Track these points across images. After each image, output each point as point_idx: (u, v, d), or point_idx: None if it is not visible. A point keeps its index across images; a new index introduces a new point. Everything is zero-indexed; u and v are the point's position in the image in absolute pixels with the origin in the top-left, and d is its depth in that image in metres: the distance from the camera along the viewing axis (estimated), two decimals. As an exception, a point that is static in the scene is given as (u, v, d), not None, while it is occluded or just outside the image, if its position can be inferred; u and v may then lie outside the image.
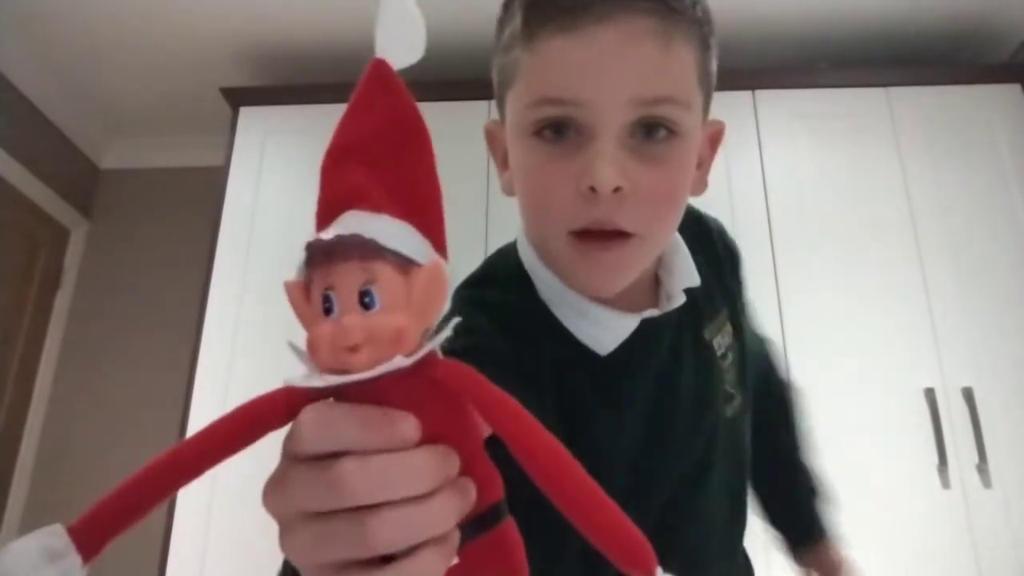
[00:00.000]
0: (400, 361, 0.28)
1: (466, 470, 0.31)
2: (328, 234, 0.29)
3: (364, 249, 0.29)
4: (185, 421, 1.98)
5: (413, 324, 0.29)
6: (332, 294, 0.29)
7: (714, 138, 0.62)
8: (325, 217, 0.31)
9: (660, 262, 0.64)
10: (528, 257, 0.62)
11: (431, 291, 0.30)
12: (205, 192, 2.40)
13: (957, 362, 1.87)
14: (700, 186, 0.61)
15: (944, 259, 2.00)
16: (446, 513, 0.29)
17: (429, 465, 0.29)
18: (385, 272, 0.29)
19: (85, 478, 2.57)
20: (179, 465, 0.31)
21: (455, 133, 2.27)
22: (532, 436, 0.30)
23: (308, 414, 0.29)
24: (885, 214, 2.05)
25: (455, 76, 2.42)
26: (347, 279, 0.29)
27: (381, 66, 0.33)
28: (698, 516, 0.65)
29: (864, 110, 2.17)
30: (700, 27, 0.54)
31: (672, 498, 0.62)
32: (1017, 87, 2.16)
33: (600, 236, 0.53)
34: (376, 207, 0.30)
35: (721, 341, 0.68)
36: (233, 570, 1.86)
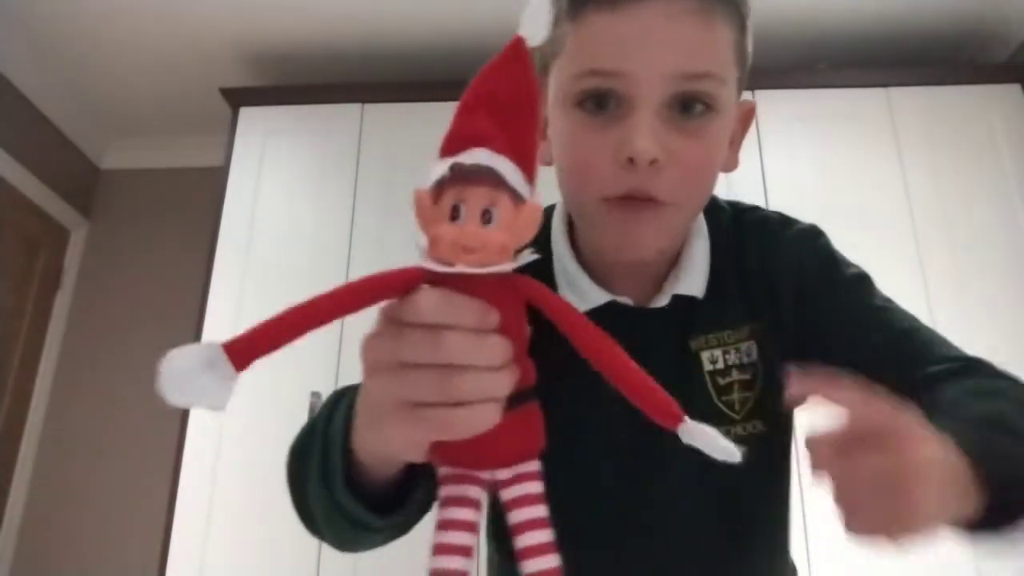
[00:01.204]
0: (505, 266, 0.39)
1: (515, 359, 0.41)
2: (469, 159, 0.38)
3: (493, 179, 0.38)
4: (185, 421, 1.98)
5: (511, 243, 0.39)
6: (462, 207, 0.38)
7: (746, 116, 0.64)
8: (453, 149, 0.39)
9: (676, 262, 0.65)
10: (556, 219, 0.68)
11: (530, 223, 0.40)
12: (205, 192, 2.40)
13: (957, 362, 1.87)
14: (732, 163, 0.63)
15: (943, 258, 2.00)
16: (505, 384, 0.39)
17: (502, 347, 0.39)
18: (503, 200, 0.38)
19: (85, 478, 2.57)
20: (316, 311, 0.40)
21: (455, 133, 2.28)
22: (587, 331, 0.42)
23: (430, 292, 0.39)
24: (885, 214, 2.05)
25: (455, 76, 2.42)
26: (477, 198, 0.38)
27: (519, 42, 0.41)
28: (653, 511, 0.66)
29: (864, 110, 2.17)
30: (738, 7, 0.57)
31: (616, 485, 0.65)
32: (1017, 87, 2.17)
33: (635, 203, 0.55)
34: (500, 150, 0.39)
35: (722, 356, 0.65)
36: (233, 570, 1.86)
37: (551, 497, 0.45)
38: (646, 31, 0.53)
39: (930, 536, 0.41)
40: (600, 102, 0.55)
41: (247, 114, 2.30)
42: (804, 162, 2.12)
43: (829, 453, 0.39)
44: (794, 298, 0.65)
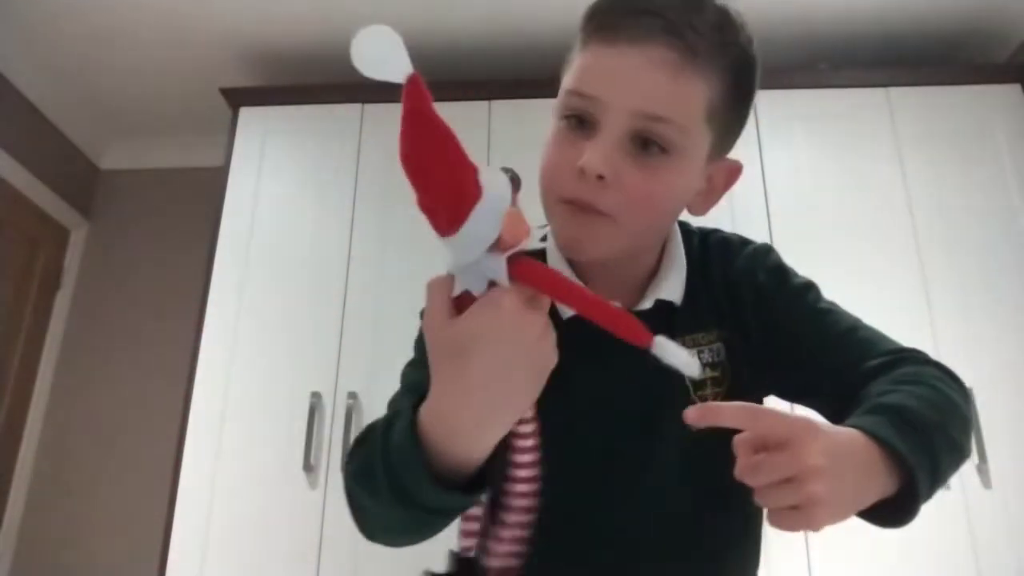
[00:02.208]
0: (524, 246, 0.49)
1: None
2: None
3: None
4: (185, 421, 1.98)
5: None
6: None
7: (730, 174, 0.72)
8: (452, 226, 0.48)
9: (656, 272, 0.74)
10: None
11: None
12: (205, 192, 2.40)
13: (956, 362, 1.86)
14: (700, 208, 0.72)
15: (943, 259, 2.00)
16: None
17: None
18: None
19: (85, 478, 2.57)
20: None
21: (455, 132, 2.28)
22: (560, 279, 0.50)
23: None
24: (885, 214, 2.05)
25: (455, 76, 2.42)
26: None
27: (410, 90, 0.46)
28: (630, 504, 0.71)
29: (864, 110, 2.17)
30: (725, 75, 0.64)
31: (598, 477, 0.71)
32: (1017, 87, 2.17)
33: (579, 209, 0.64)
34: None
35: (696, 355, 0.72)
36: (233, 570, 1.86)
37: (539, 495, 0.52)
38: (625, 69, 0.62)
39: (845, 519, 0.49)
40: (580, 121, 0.64)
41: (247, 114, 2.30)
42: (804, 162, 2.12)
43: (741, 459, 0.49)
44: (753, 305, 0.74)
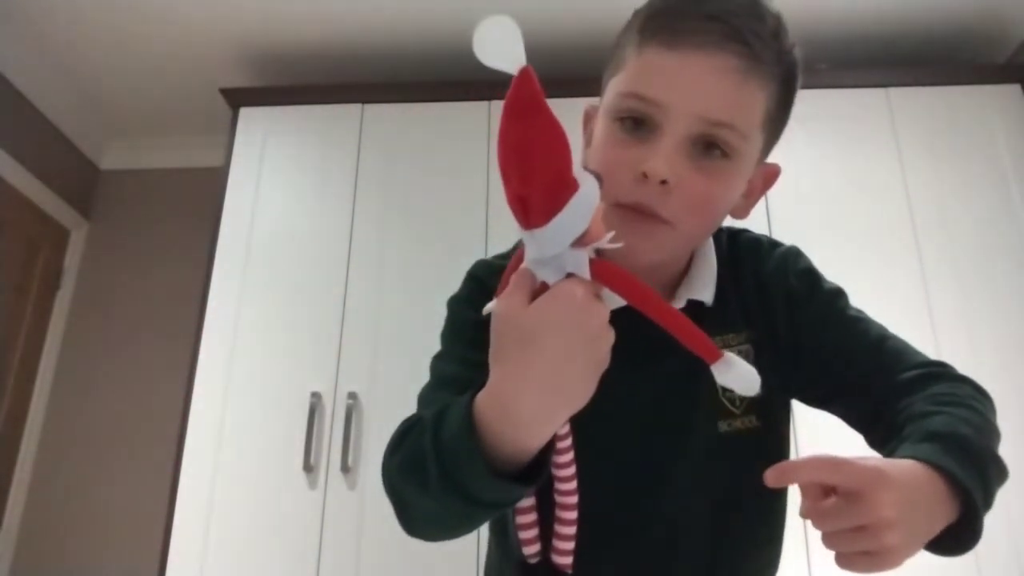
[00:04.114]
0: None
1: None
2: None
3: None
4: (185, 421, 1.98)
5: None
6: None
7: (769, 177, 0.73)
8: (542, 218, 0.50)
9: (687, 272, 0.74)
10: None
11: None
12: (205, 192, 2.40)
13: (956, 362, 1.86)
14: (742, 212, 0.72)
15: (943, 259, 2.00)
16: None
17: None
18: None
19: (85, 478, 2.57)
20: None
21: (455, 133, 2.28)
22: (646, 292, 0.52)
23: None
24: (885, 214, 2.05)
25: (455, 76, 2.42)
26: None
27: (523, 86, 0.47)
28: (659, 502, 0.71)
29: (864, 110, 2.17)
30: (780, 83, 0.66)
31: (626, 485, 0.71)
32: (1017, 87, 2.17)
33: (640, 215, 0.63)
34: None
35: None
36: (233, 570, 1.86)
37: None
38: (690, 74, 0.62)
39: (915, 554, 0.50)
40: (636, 123, 0.63)
41: (247, 114, 2.30)
42: (804, 162, 2.12)
43: (808, 502, 0.50)
44: (784, 309, 0.75)
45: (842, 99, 2.18)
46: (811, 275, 0.77)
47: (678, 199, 0.62)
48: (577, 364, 0.49)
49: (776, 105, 0.67)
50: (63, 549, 2.50)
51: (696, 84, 0.62)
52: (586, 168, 0.49)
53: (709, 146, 0.62)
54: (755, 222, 2.24)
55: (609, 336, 0.50)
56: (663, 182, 0.60)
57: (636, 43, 0.66)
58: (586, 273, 0.49)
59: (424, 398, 0.69)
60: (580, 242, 0.48)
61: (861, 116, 2.16)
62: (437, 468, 0.52)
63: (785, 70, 0.66)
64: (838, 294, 0.77)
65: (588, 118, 0.74)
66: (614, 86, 0.67)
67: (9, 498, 2.52)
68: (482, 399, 0.52)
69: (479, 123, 2.18)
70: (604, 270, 0.50)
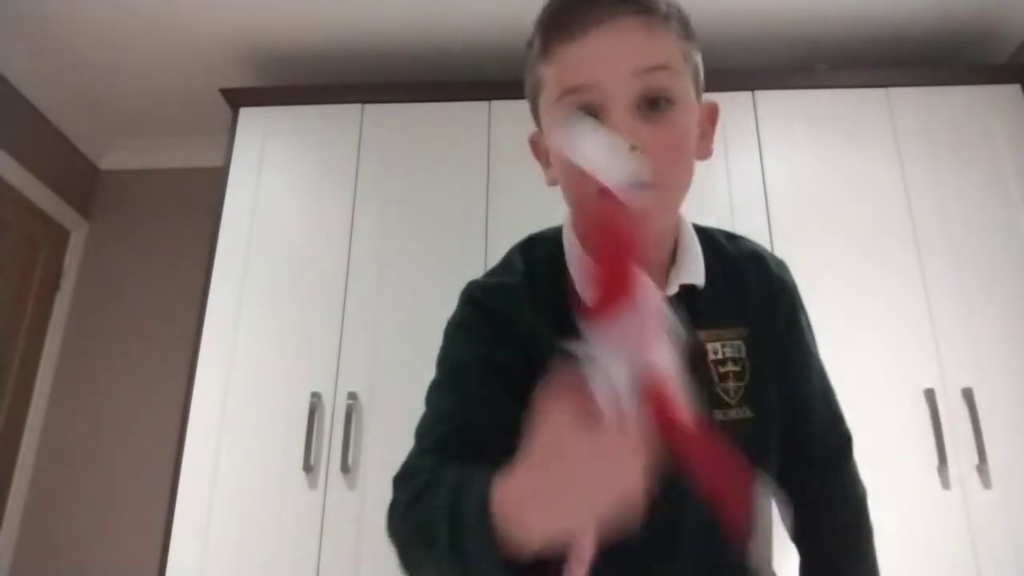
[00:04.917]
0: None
1: None
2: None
3: None
4: (185, 421, 1.97)
5: None
6: None
7: (711, 114, 0.76)
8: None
9: (674, 255, 0.76)
10: (566, 227, 0.79)
11: None
12: (205, 192, 2.40)
13: (957, 363, 1.87)
14: (704, 152, 0.75)
15: (944, 259, 2.00)
16: None
17: None
18: None
19: (85, 478, 2.57)
20: None
21: (455, 133, 2.28)
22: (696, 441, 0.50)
23: None
24: (885, 214, 2.05)
25: (455, 77, 2.42)
26: None
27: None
28: (655, 504, 0.70)
29: (864, 110, 2.17)
30: (680, 25, 0.70)
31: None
32: (1017, 87, 2.17)
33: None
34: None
35: (721, 349, 0.77)
36: (233, 570, 1.86)
37: None
38: (603, 46, 0.66)
39: None
40: (587, 114, 0.65)
41: (247, 114, 2.30)
42: (804, 162, 2.12)
43: None
44: (785, 323, 0.81)
45: (842, 99, 2.18)
46: (799, 298, 0.84)
47: (652, 159, 0.64)
48: (606, 497, 0.48)
49: (684, 42, 0.70)
50: (63, 549, 2.50)
51: (613, 50, 0.65)
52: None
53: (653, 102, 0.66)
54: (755, 222, 2.25)
55: (639, 483, 0.47)
56: (632, 148, 0.63)
57: (544, 57, 0.69)
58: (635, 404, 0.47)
59: (423, 436, 0.69)
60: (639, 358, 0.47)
61: (861, 116, 2.16)
62: (450, 550, 0.54)
63: (674, 11, 0.70)
64: (810, 327, 0.84)
65: (534, 145, 0.78)
66: (546, 103, 0.70)
67: (9, 498, 2.52)
68: (504, 490, 0.51)
69: (479, 123, 2.18)
70: (658, 404, 0.48)
